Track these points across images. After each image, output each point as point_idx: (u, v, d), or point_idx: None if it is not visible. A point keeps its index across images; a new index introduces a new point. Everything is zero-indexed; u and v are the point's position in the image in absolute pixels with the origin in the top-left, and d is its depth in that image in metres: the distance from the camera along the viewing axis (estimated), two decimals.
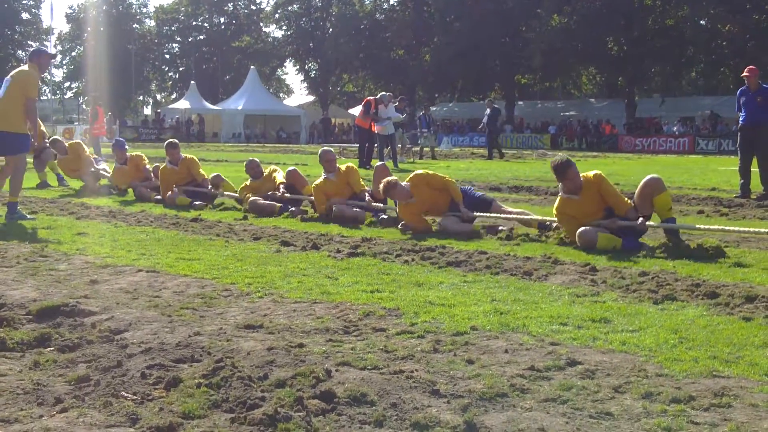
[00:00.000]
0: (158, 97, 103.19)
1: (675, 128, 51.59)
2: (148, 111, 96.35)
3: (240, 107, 67.32)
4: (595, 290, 6.12)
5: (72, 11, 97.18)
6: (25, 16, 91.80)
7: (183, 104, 71.18)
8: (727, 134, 44.45)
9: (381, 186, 9.94)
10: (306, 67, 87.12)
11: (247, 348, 4.50)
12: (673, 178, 18.22)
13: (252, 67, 75.35)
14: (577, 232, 8.23)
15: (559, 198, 8.61)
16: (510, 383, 3.89)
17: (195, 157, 13.94)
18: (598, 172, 8.53)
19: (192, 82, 75.15)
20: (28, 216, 10.87)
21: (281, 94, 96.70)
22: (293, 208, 11.61)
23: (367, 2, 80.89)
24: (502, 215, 9.80)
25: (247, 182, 12.70)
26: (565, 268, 6.98)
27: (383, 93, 26.31)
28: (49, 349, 4.63)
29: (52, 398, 3.73)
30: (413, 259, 7.58)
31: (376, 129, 24.15)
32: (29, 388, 3.88)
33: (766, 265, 7.04)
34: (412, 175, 10.01)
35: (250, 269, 7.12)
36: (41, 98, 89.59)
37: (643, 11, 57.61)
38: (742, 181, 14.27)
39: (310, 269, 7.12)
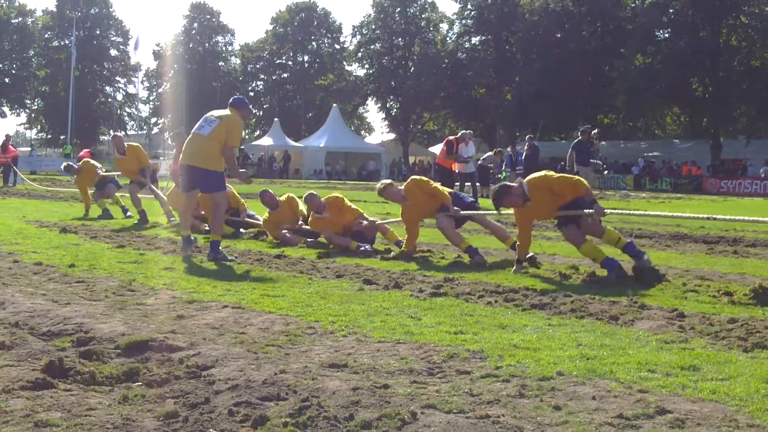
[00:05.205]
0: (242, 133, 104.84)
1: (761, 171, 50.58)
2: None
3: (322, 144, 68.09)
4: (683, 337, 5.99)
5: (159, 48, 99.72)
6: (113, 52, 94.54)
7: (266, 141, 72.30)
8: None
9: (378, 187, 11.22)
10: (387, 105, 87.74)
11: (333, 387, 4.51)
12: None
13: (334, 105, 76.30)
14: (565, 231, 9.18)
15: (514, 211, 9.40)
16: (598, 431, 3.84)
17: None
18: (543, 173, 9.19)
19: (275, 119, 76.23)
20: (230, 257, 10.60)
21: (362, 132, 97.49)
22: (310, 239, 12.52)
23: (449, 41, 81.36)
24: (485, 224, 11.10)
25: (266, 215, 13.19)
26: (652, 314, 6.87)
27: (463, 131, 26.32)
28: (137, 383, 4.69)
29: None
30: (496, 301, 7.53)
31: (456, 168, 24.19)
32: (119, 422, 3.94)
33: None
34: (408, 180, 11.07)
35: (333, 307, 7.16)
36: (128, 133, 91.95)
37: (729, 52, 56.86)
38: None
39: (393, 308, 7.12)
